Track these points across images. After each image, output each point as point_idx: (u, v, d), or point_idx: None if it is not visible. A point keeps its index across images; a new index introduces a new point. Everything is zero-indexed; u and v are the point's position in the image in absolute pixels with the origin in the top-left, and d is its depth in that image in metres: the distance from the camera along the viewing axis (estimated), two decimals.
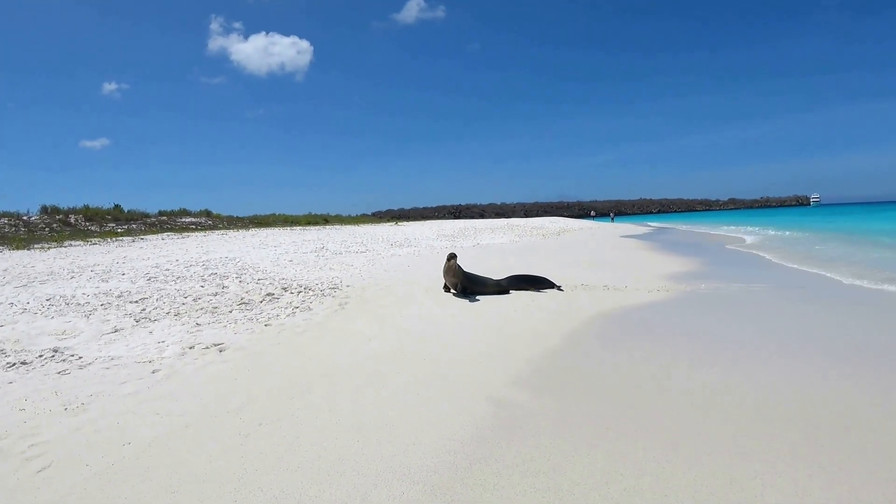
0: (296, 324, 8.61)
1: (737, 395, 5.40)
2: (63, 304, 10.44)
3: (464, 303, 10.28)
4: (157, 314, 9.41)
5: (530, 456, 4.17)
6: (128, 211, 40.28)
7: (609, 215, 73.36)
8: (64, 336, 8.25)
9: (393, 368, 6.33)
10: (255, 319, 8.93)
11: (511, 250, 21.94)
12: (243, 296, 10.94)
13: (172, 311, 9.65)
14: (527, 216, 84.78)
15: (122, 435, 4.76)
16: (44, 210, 35.13)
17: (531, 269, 14.30)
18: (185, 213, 44.48)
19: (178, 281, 12.93)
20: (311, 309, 9.69)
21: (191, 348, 7.38)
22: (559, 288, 11.46)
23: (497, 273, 13.18)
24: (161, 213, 42.79)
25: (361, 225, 47.77)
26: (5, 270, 15.30)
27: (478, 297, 10.64)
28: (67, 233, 31.06)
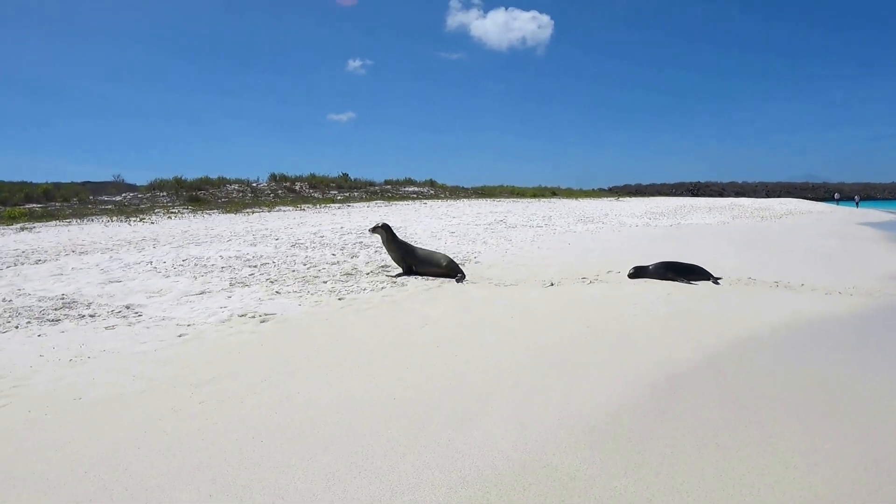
0: (369, 300, 8.11)
1: None
2: (193, 264, 11.02)
3: (558, 293, 9.04)
4: (256, 280, 9.48)
5: None
6: (354, 179, 42.95)
7: (854, 199, 64.28)
8: (152, 295, 8.56)
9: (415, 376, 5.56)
10: (337, 292, 8.59)
11: (709, 232, 19.55)
12: (361, 267, 10.74)
13: (274, 277, 9.68)
14: (768, 196, 77.39)
15: (80, 391, 4.81)
16: (272, 178, 38.72)
17: (715, 253, 12.39)
18: (409, 182, 46.46)
19: (318, 248, 13.17)
20: (405, 285, 9.13)
21: (242, 316, 7.21)
22: (716, 280, 9.72)
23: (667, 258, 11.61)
24: (386, 182, 45.10)
25: (583, 199, 46.59)
26: (185, 231, 16.76)
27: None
28: (290, 198, 33.74)
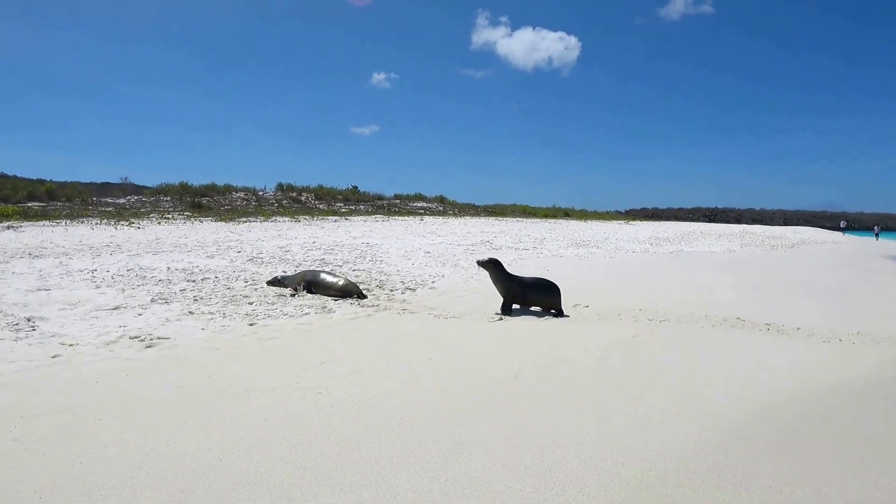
0: (282, 328, 7.80)
1: None
2: (134, 275, 10.86)
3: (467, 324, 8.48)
4: (182, 296, 9.28)
5: None
6: (362, 192, 42.85)
7: (873, 229, 60.97)
8: (65, 307, 8.38)
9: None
10: (255, 315, 8.33)
11: (710, 261, 18.95)
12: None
13: (203, 295, 9.46)
14: (785, 224, 76.41)
15: None
16: (279, 187, 38.82)
17: (710, 285, 11.88)
18: (419, 197, 46.27)
19: (274, 264, 12.94)
20: (332, 311, 8.82)
21: (133, 338, 6.98)
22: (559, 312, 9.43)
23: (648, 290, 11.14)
24: (396, 197, 44.94)
25: (592, 221, 46.10)
26: (156, 239, 16.66)
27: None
28: (294, 209, 33.71)
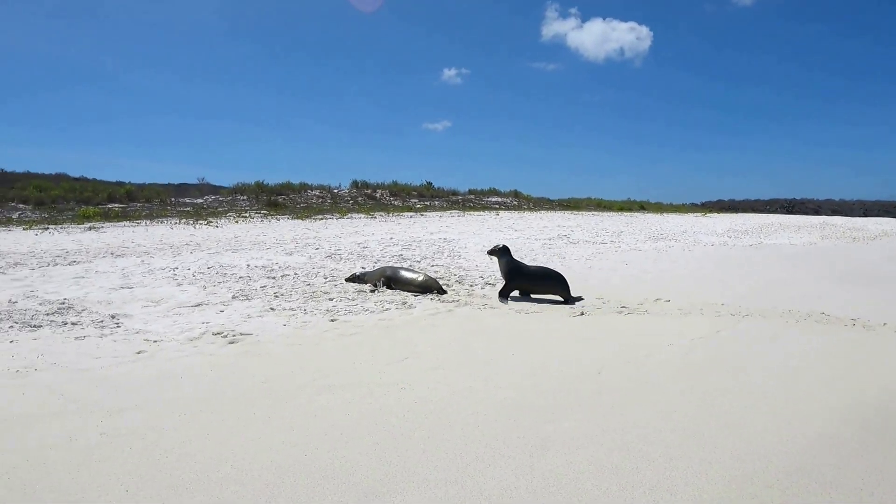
0: (363, 323, 7.75)
1: None
2: (214, 273, 11.04)
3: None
4: (263, 293, 9.39)
5: None
6: (437, 188, 42.95)
7: None
8: (148, 305, 8.54)
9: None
10: (336, 311, 8.32)
11: (790, 254, 18.11)
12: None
13: (283, 291, 9.51)
14: (865, 215, 72.91)
15: None
16: (354, 184, 39.24)
17: (786, 280, 11.25)
18: (493, 192, 46.09)
19: (353, 259, 13.00)
20: (412, 307, 8.73)
21: (216, 334, 7.02)
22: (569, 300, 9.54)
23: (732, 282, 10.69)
24: (470, 192, 44.89)
25: (668, 214, 44.88)
26: (235, 237, 16.98)
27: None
28: (369, 205, 34.05)
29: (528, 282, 9.71)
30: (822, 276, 13.17)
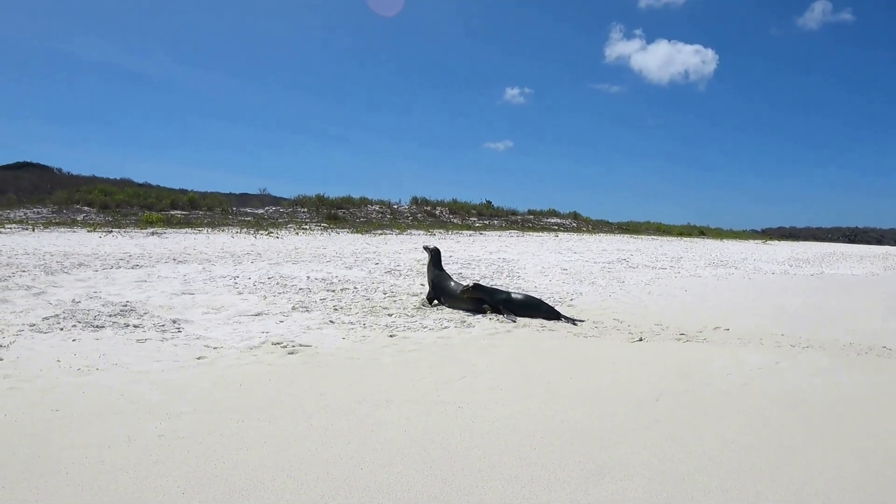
0: (421, 341, 7.77)
1: None
2: (274, 283, 11.25)
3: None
4: (323, 305, 9.50)
5: None
6: (496, 207, 43.08)
7: None
8: (209, 311, 8.75)
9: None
10: (395, 327, 8.37)
11: (852, 284, 17.40)
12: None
13: (343, 305, 9.63)
14: None
15: (62, 403, 4.94)
16: (413, 201, 39.65)
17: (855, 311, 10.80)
18: (553, 213, 45.98)
19: (411, 276, 13.10)
20: (472, 326, 8.73)
21: (276, 344, 7.14)
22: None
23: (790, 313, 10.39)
24: (529, 212, 44.84)
25: (728, 240, 44.09)
26: (295, 249, 17.27)
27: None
28: (428, 222, 34.29)
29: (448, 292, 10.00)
30: (884, 309, 12.74)
